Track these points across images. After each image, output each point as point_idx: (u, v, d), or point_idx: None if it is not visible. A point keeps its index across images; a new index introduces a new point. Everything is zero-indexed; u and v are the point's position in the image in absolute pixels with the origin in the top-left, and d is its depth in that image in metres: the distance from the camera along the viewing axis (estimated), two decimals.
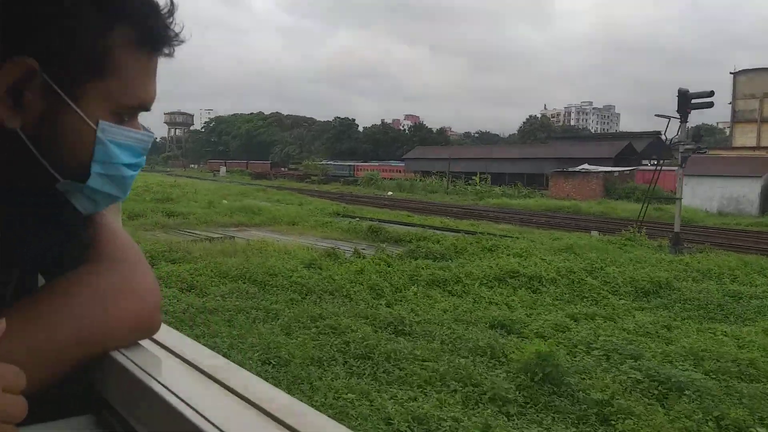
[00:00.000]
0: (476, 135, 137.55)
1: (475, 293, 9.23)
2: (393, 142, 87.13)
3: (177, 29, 0.69)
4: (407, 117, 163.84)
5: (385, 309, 7.87)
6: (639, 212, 16.61)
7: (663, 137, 15.73)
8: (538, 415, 5.02)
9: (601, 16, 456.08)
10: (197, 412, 0.55)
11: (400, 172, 58.67)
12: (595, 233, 17.05)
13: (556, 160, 46.71)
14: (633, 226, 15.57)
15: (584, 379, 5.77)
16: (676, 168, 14.93)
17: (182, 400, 0.57)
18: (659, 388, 5.58)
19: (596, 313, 8.52)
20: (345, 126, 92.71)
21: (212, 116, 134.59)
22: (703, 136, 14.92)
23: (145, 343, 0.75)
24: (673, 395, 5.46)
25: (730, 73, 63.86)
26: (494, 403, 5.09)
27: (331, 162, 70.09)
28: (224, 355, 0.71)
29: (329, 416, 0.54)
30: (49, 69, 0.62)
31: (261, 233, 15.67)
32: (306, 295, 8.50)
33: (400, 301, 8.84)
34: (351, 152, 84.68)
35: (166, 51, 0.70)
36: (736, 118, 63.99)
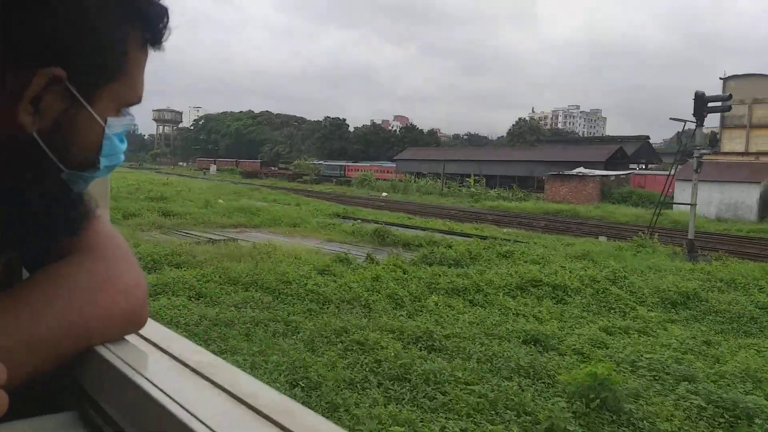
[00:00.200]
0: (465, 137, 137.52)
1: (499, 304, 8.76)
2: (384, 142, 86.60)
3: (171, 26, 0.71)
4: (396, 118, 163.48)
5: (411, 322, 7.35)
6: (651, 218, 16.20)
7: (679, 141, 15.36)
8: None
9: (586, 20, 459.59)
10: (183, 407, 0.54)
11: (390, 172, 58.01)
12: (603, 238, 16.67)
13: (547, 163, 46.44)
14: (644, 232, 15.18)
15: (642, 405, 5.30)
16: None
17: (168, 396, 0.56)
18: (725, 415, 5.13)
19: (629, 327, 8.09)
20: (335, 126, 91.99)
21: (201, 114, 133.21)
22: (719, 140, 14.50)
23: (131, 338, 0.73)
24: (742, 424, 5.01)
25: (720, 78, 64.09)
26: None
27: (322, 162, 69.31)
28: None
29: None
30: (73, 76, 0.62)
31: (262, 235, 15.09)
32: (323, 304, 7.97)
33: (421, 311, 8.35)
34: (341, 152, 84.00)
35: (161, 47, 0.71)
36: (725, 123, 64.45)
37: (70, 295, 0.67)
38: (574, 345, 7.10)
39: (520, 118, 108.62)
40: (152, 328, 0.76)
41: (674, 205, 21.42)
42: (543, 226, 22.45)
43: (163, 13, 0.67)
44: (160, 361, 0.67)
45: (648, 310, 9.08)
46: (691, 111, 13.28)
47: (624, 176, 36.28)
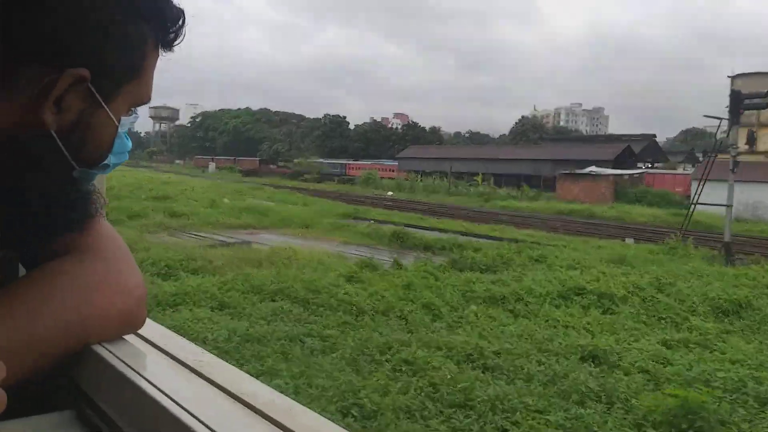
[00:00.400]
0: (467, 135, 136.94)
1: (544, 314, 8.13)
2: (385, 140, 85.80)
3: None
4: (396, 115, 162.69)
5: (457, 337, 6.71)
6: (683, 220, 15.58)
7: (714, 139, 14.76)
8: None
9: (588, 18, 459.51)
10: (181, 406, 0.53)
11: (393, 171, 57.29)
12: (629, 240, 16.06)
13: (554, 162, 45.81)
14: (676, 234, 14.57)
15: None
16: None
17: (166, 395, 0.56)
18: None
19: (688, 339, 7.46)
20: (336, 123, 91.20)
21: (198, 111, 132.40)
22: (756, 138, 13.92)
23: (129, 337, 0.72)
24: None
25: (728, 76, 63.65)
26: None
27: (323, 160, 68.56)
28: None
29: None
30: (95, 77, 0.62)
31: (275, 237, 14.46)
32: (357, 316, 7.33)
33: (461, 322, 7.73)
34: (342, 150, 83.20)
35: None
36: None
37: (69, 294, 0.66)
38: (636, 362, 6.48)
39: (523, 116, 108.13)
40: (149, 328, 0.75)
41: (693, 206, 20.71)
42: (560, 227, 21.83)
43: (180, 15, 0.67)
44: (158, 360, 0.67)
45: (702, 321, 8.46)
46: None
47: (638, 175, 35.65)
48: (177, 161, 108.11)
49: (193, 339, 5.89)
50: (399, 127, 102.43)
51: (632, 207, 28.93)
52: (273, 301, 7.49)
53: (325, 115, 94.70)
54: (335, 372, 5.33)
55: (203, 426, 0.49)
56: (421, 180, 44.86)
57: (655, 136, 66.24)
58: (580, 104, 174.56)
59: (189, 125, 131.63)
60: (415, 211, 25.80)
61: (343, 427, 0.50)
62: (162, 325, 0.78)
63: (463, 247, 12.60)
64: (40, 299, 0.63)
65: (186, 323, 6.22)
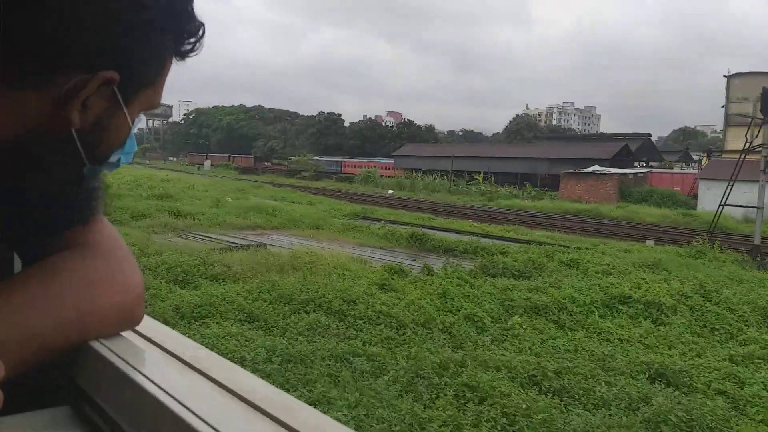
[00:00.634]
0: (460, 133, 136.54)
1: (594, 327, 7.58)
2: (380, 138, 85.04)
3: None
4: (390, 114, 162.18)
5: (516, 356, 6.12)
6: (711, 222, 15.09)
7: (746, 138, 14.28)
8: None
9: (580, 18, 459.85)
10: (179, 402, 0.53)
11: (389, 169, 56.62)
12: (650, 242, 15.56)
13: (550, 161, 45.34)
14: (703, 237, 14.07)
15: None
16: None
17: (164, 391, 0.55)
18: None
19: (752, 354, 6.93)
20: (330, 121, 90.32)
21: (192, 108, 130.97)
22: None
23: (126, 333, 0.71)
24: None
25: (724, 76, 63.41)
26: None
27: (319, 158, 67.74)
28: None
29: None
30: (121, 81, 0.62)
31: (286, 238, 13.82)
32: (399, 329, 6.74)
33: (506, 335, 7.17)
34: (337, 148, 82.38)
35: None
36: (728, 122, 63.78)
37: (66, 290, 0.65)
38: (711, 382, 5.95)
39: (517, 115, 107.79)
40: (147, 324, 0.73)
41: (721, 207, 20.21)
42: (571, 227, 21.31)
43: (199, 28, 0.67)
44: (156, 355, 0.66)
45: (757, 332, 7.94)
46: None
47: (642, 175, 35.20)
48: (170, 158, 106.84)
49: (230, 359, 5.28)
50: (392, 125, 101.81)
51: (639, 207, 28.42)
52: (305, 312, 6.87)
53: (320, 113, 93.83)
54: (393, 400, 4.73)
55: (201, 421, 0.49)
56: (421, 179, 44.21)
57: (650, 135, 66.02)
58: (573, 103, 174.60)
59: (182, 122, 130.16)
60: (421, 210, 25.22)
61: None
62: (158, 320, 0.75)
63: (487, 250, 12.02)
64: (39, 294, 0.63)
65: (218, 341, 5.61)
